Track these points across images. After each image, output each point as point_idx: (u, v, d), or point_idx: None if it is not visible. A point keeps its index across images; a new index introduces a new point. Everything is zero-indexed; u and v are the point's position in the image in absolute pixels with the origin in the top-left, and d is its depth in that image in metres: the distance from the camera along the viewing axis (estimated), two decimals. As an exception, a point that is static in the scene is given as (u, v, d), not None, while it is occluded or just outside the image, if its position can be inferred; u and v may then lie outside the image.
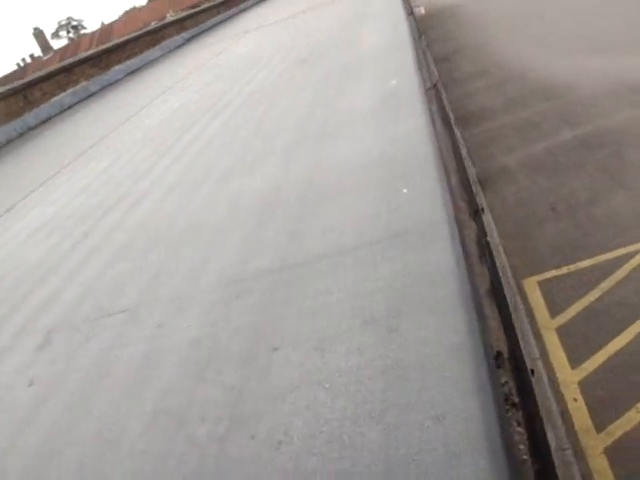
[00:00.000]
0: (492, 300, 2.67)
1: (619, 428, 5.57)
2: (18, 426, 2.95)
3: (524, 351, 2.44)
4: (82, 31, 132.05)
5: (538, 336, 8.03)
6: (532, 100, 16.57)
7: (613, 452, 5.34)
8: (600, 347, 6.71)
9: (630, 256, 8.19)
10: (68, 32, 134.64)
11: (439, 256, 2.86)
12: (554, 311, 8.52)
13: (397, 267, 2.93)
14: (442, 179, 3.58)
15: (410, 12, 11.88)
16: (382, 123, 5.09)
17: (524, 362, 2.37)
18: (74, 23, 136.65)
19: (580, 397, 6.19)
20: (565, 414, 5.91)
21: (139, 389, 2.83)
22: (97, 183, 7.05)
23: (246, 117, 7.21)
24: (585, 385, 6.21)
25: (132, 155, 7.77)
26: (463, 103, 18.48)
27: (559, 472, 2.00)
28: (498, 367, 2.33)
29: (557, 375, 6.84)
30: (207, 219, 4.56)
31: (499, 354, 2.38)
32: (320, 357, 2.49)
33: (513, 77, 18.98)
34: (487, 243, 3.02)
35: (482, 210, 3.45)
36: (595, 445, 5.55)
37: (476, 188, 3.80)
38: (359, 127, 5.23)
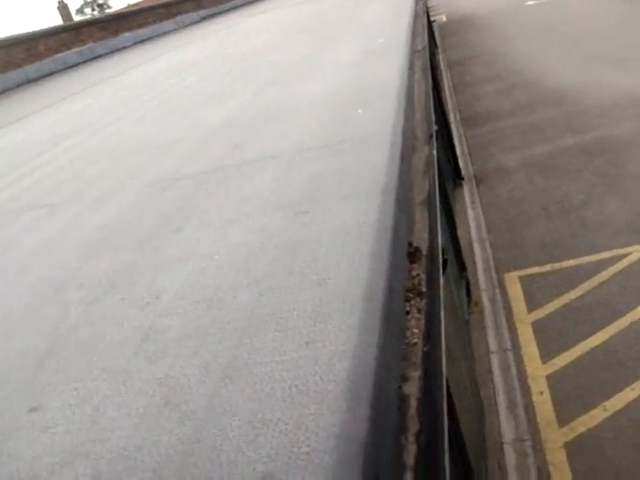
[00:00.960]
0: (424, 207, 2.44)
1: (582, 424, 5.33)
2: None
3: (440, 249, 2.23)
4: (107, 10, 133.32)
5: (512, 329, 7.83)
6: (539, 106, 16.43)
7: (573, 447, 5.12)
8: (574, 344, 6.48)
9: (616, 259, 7.95)
10: (93, 9, 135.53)
11: (377, 160, 2.62)
12: (532, 306, 8.27)
13: (327, 167, 2.70)
14: (401, 109, 3.34)
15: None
16: (358, 68, 4.89)
17: (438, 259, 2.15)
18: (100, 1, 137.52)
19: (547, 391, 5.98)
20: (529, 406, 5.70)
21: (29, 265, 2.61)
22: (71, 117, 6.92)
23: (234, 68, 7.05)
24: (553, 380, 5.99)
25: (114, 97, 7.64)
26: (471, 105, 18.37)
27: (443, 355, 1.78)
28: (413, 262, 2.10)
29: (526, 368, 6.66)
30: (160, 139, 4.37)
31: (417, 249, 2.15)
32: (220, 235, 2.26)
33: (524, 83, 18.88)
34: (433, 158, 2.79)
35: (435, 134, 3.22)
36: (555, 439, 5.32)
37: (436, 118, 3.60)
38: (335, 71, 5.04)
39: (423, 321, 1.81)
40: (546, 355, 7.09)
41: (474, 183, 12.71)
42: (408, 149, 2.90)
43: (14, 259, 2.74)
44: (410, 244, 2.21)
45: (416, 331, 1.76)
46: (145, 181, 3.34)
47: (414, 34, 6.36)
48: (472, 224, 11.03)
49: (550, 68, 19.52)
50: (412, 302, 1.90)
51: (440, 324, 1.89)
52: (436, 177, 2.71)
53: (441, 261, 2.19)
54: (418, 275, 2.03)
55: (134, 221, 2.73)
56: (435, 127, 3.32)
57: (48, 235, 2.94)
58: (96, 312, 1.98)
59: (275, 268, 1.90)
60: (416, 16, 8.07)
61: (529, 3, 34.66)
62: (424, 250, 2.19)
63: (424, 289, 1.95)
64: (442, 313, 1.96)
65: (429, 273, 2.05)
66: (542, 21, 28.20)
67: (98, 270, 2.30)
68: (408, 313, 1.85)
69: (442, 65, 20.59)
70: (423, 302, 1.89)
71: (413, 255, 2.15)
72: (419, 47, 6.06)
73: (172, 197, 2.90)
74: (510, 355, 7.58)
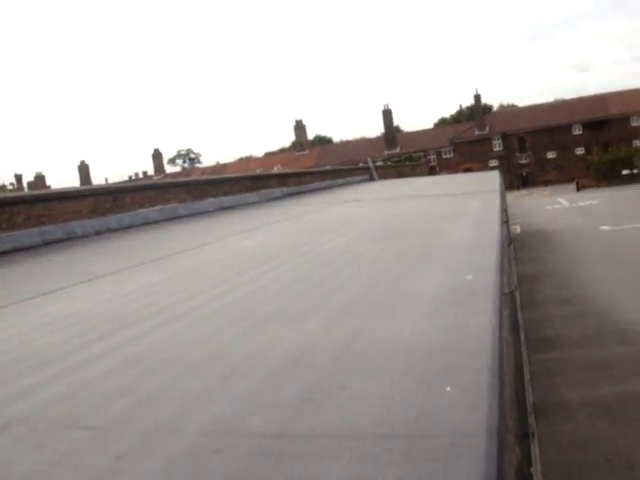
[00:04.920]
0: None
1: None
2: None
3: None
4: (197, 164, 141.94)
5: None
6: (608, 340, 15.97)
7: None
8: None
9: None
10: (184, 161, 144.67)
11: (467, 474, 2.25)
12: None
13: (408, 476, 2.33)
14: (494, 389, 2.99)
15: (505, 220, 11.69)
16: (445, 314, 4.57)
17: None
18: (192, 155, 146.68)
19: None
20: None
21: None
22: (139, 293, 6.77)
23: (309, 274, 6.86)
24: None
25: (185, 278, 7.53)
26: (539, 327, 18.02)
27: None
28: None
29: None
30: (221, 361, 4.05)
31: None
32: None
33: (594, 312, 18.53)
34: (530, 476, 2.41)
35: (532, 435, 2.84)
36: None
37: (530, 409, 3.22)
38: (418, 312, 4.74)
39: None
40: None
41: (533, 416, 12.02)
42: (503, 460, 2.52)
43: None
44: None
45: None
46: (197, 429, 2.99)
47: (502, 271, 6.12)
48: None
49: (621, 299, 19.17)
50: None
51: None
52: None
53: None
54: None
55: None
56: (532, 427, 2.96)
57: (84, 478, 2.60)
58: None
59: None
60: (502, 246, 7.89)
61: (604, 228, 35.01)
62: None
63: None
64: None
65: None
66: (616, 247, 28.22)
67: None
68: None
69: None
70: None
71: None
72: (507, 289, 5.81)
73: (224, 466, 2.55)
74: None
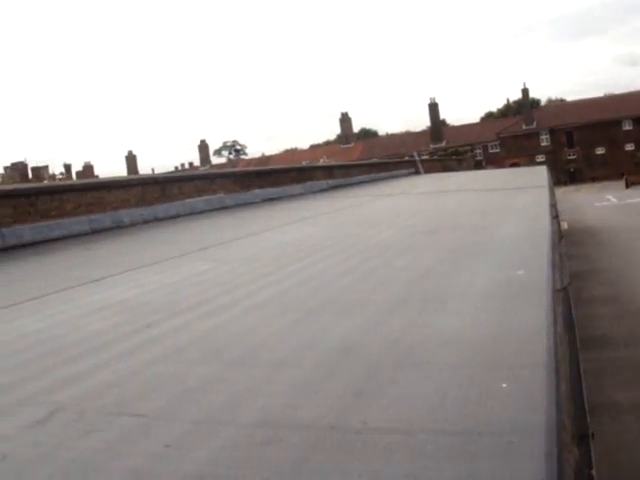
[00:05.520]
0: None
1: None
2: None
3: None
4: (242, 156, 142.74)
5: None
6: (659, 340, 15.37)
7: None
8: None
9: None
10: (230, 153, 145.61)
11: (528, 474, 2.18)
12: None
13: (467, 474, 2.26)
14: (551, 386, 2.90)
15: (555, 215, 11.47)
16: (497, 308, 4.48)
17: None
18: (237, 147, 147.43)
19: None
20: None
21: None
22: (186, 282, 6.79)
23: (357, 265, 6.81)
24: None
25: (232, 268, 7.53)
26: (585, 325, 17.63)
27: None
28: None
29: None
30: (273, 350, 4.02)
31: None
32: None
33: (645, 311, 17.88)
34: (591, 478, 2.31)
35: (592, 436, 2.73)
36: None
37: (587, 409, 3.12)
38: (469, 306, 4.64)
39: None
40: None
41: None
42: (560, 455, 2.44)
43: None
44: None
45: None
46: (247, 419, 2.95)
47: (554, 267, 5.98)
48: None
49: (673, 300, 18.62)
50: None
51: None
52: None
53: None
54: None
55: (230, 484, 2.34)
56: (592, 428, 2.85)
57: (130, 467, 2.58)
58: None
59: None
60: (553, 241, 7.71)
61: (655, 226, 34.07)
62: None
63: None
64: None
65: None
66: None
67: None
68: None
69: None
70: None
71: None
72: (559, 285, 5.66)
73: (274, 460, 2.51)
74: None
